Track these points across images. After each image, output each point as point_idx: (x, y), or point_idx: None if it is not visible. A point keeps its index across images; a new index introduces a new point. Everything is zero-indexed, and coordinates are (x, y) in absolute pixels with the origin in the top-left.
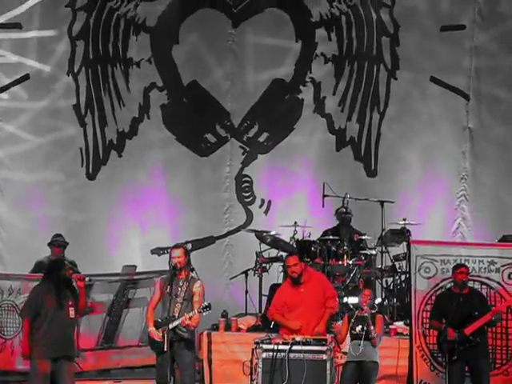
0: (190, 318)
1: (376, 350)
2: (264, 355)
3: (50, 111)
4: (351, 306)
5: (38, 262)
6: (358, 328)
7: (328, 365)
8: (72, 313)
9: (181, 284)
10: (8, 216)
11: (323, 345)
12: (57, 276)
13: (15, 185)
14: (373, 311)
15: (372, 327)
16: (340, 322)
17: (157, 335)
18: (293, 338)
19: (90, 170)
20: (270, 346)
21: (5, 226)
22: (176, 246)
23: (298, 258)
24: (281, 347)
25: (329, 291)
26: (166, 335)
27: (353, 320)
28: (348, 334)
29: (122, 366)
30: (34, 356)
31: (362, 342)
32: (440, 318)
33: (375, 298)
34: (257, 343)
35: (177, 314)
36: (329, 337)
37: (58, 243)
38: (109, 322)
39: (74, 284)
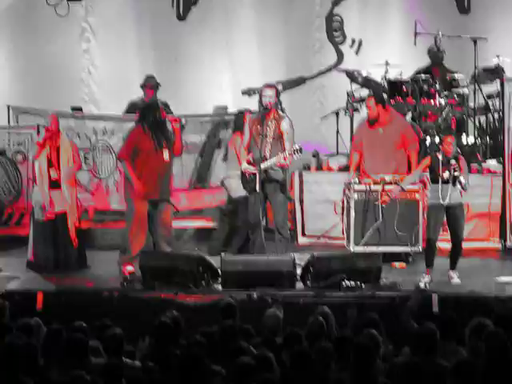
0: (285, 158)
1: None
2: (356, 196)
3: None
4: (438, 146)
5: (131, 102)
6: (446, 174)
7: (420, 204)
8: (167, 155)
9: (270, 123)
10: (99, 59)
11: (414, 184)
12: (152, 118)
13: (104, 30)
14: (457, 156)
15: (459, 173)
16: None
17: (251, 171)
18: (382, 178)
19: (181, 10)
20: (362, 187)
21: (97, 68)
22: (268, 85)
23: (375, 100)
24: (373, 187)
25: (409, 138)
26: (258, 175)
27: (439, 164)
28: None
29: (214, 205)
30: (132, 196)
31: (447, 185)
32: None
33: (468, 136)
34: (348, 184)
35: (268, 154)
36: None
37: (150, 84)
38: (201, 163)
39: (169, 126)
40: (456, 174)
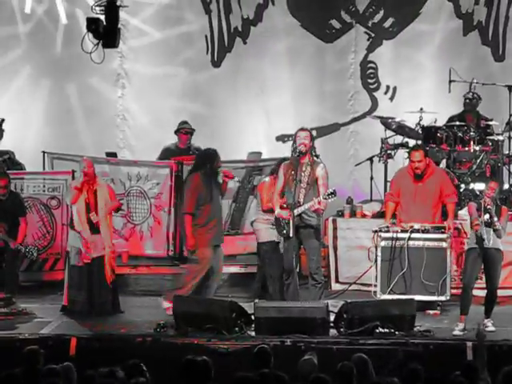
0: (319, 203)
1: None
2: (383, 243)
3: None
4: (477, 193)
5: (164, 148)
6: (486, 216)
7: (448, 252)
8: (221, 201)
9: (304, 169)
10: (134, 105)
11: (442, 232)
12: (210, 165)
13: (139, 76)
14: (498, 203)
15: (496, 219)
16: (464, 211)
17: (285, 216)
18: (411, 226)
19: (216, 57)
20: (389, 235)
21: (131, 114)
22: (302, 129)
23: (424, 153)
24: (400, 235)
25: (448, 188)
26: (291, 220)
27: (480, 209)
28: (469, 222)
29: (247, 251)
30: (199, 245)
31: (486, 230)
32: None
33: (503, 183)
34: (375, 231)
35: (302, 200)
36: (449, 224)
37: (185, 130)
38: (235, 209)
39: (219, 178)
40: (489, 216)
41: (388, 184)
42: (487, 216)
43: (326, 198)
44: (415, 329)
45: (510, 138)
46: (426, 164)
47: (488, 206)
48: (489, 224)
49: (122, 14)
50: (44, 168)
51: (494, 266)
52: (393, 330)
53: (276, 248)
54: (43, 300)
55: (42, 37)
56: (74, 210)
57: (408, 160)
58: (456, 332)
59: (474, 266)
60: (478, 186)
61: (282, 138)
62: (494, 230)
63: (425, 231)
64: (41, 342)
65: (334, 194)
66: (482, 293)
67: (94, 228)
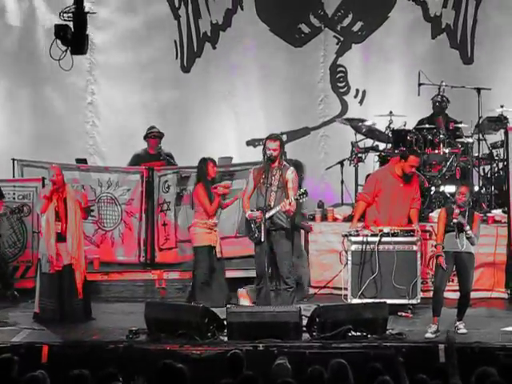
0: (290, 204)
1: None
2: (353, 247)
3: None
4: (448, 195)
5: (135, 154)
6: (455, 220)
7: (418, 255)
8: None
9: (274, 173)
10: (103, 111)
11: (412, 235)
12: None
13: (109, 83)
14: (470, 209)
15: (468, 227)
16: (435, 213)
17: (256, 215)
18: (380, 230)
19: (185, 62)
20: (359, 239)
21: (100, 120)
22: (272, 137)
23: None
24: (370, 239)
25: (417, 192)
26: (263, 225)
27: (452, 214)
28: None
29: (219, 257)
30: None
31: (458, 235)
32: None
33: (473, 185)
34: (345, 235)
35: (272, 203)
36: (417, 227)
37: (153, 134)
38: None
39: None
40: (459, 220)
41: (359, 187)
42: (456, 220)
43: (297, 199)
44: (388, 332)
45: (479, 140)
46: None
47: (459, 220)
48: (461, 229)
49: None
50: (14, 175)
51: (467, 269)
52: (365, 334)
53: (210, 252)
54: (15, 308)
55: (9, 43)
56: (43, 218)
57: (378, 163)
58: (428, 335)
59: (447, 270)
60: (449, 189)
61: (252, 143)
62: (467, 238)
63: (395, 234)
64: (13, 350)
65: (305, 193)
66: (455, 295)
67: (61, 236)
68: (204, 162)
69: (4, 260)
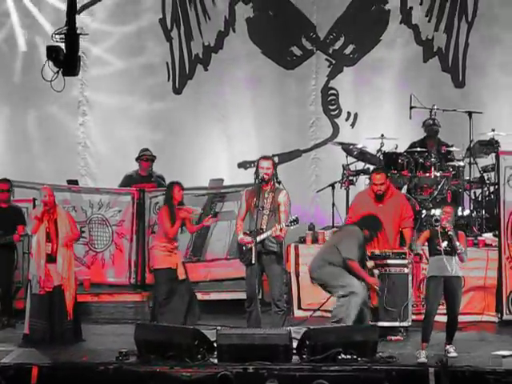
0: (281, 230)
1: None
2: None
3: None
4: (438, 218)
5: (126, 175)
6: (444, 244)
7: (409, 278)
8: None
9: (266, 195)
10: (95, 132)
11: (404, 258)
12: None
13: (100, 104)
14: (454, 228)
15: (458, 243)
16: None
17: (247, 241)
18: (371, 252)
19: (177, 84)
20: None
21: (92, 141)
22: (264, 157)
23: (385, 176)
24: None
25: (407, 211)
26: (254, 247)
27: (438, 236)
28: (428, 249)
29: (210, 278)
30: None
31: (446, 258)
32: None
33: (463, 209)
34: None
35: (264, 227)
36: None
37: (146, 157)
38: (197, 236)
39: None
40: (456, 244)
41: None
42: (445, 243)
43: (288, 226)
44: (378, 355)
45: (470, 163)
46: (387, 186)
47: (449, 232)
48: (449, 252)
49: (83, 43)
50: None
51: (456, 293)
52: (355, 357)
53: (170, 275)
54: (4, 329)
55: (2, 64)
56: (34, 239)
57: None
58: (422, 360)
59: (435, 293)
60: (440, 212)
61: (243, 165)
62: (457, 254)
63: (386, 257)
64: (1, 371)
65: (296, 221)
66: (443, 318)
67: (51, 257)
68: (171, 185)
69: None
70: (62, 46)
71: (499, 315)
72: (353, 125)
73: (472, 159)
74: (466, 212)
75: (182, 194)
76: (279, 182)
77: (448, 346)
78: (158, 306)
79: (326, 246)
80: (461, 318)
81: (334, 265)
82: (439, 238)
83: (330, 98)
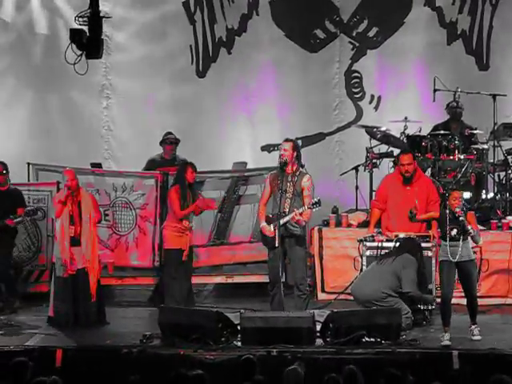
0: (301, 214)
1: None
2: (368, 253)
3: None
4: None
5: (150, 159)
6: (454, 232)
7: (433, 261)
8: None
9: (289, 179)
10: (119, 116)
11: (427, 241)
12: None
13: (124, 87)
14: (465, 210)
15: (470, 226)
16: None
17: (268, 231)
18: (396, 235)
19: (200, 67)
20: (374, 244)
21: (116, 125)
22: (285, 140)
23: (413, 157)
24: (385, 244)
25: (433, 195)
26: (276, 231)
27: (447, 221)
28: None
29: (233, 261)
30: None
31: (458, 243)
32: None
33: (487, 192)
34: (360, 241)
35: (287, 210)
36: (433, 233)
37: (169, 140)
38: (220, 219)
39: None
40: (467, 228)
41: (373, 193)
42: (454, 231)
43: (310, 208)
44: (401, 338)
45: (494, 146)
46: (414, 168)
47: (460, 217)
48: (461, 236)
49: (107, 29)
50: (29, 179)
51: (469, 276)
52: (379, 340)
53: (179, 255)
54: (29, 311)
55: (24, 47)
56: (58, 222)
57: (393, 169)
58: (445, 342)
59: (449, 277)
60: (464, 195)
61: (267, 148)
62: (471, 237)
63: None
64: (26, 353)
65: (318, 203)
66: (463, 301)
67: (75, 240)
68: (184, 165)
69: (19, 264)
70: (85, 29)
71: None
72: (376, 108)
73: (496, 142)
74: (490, 195)
75: (194, 176)
76: (303, 166)
77: (473, 327)
78: (167, 285)
79: (384, 272)
80: (484, 301)
81: (393, 296)
82: (447, 222)
83: (353, 81)
